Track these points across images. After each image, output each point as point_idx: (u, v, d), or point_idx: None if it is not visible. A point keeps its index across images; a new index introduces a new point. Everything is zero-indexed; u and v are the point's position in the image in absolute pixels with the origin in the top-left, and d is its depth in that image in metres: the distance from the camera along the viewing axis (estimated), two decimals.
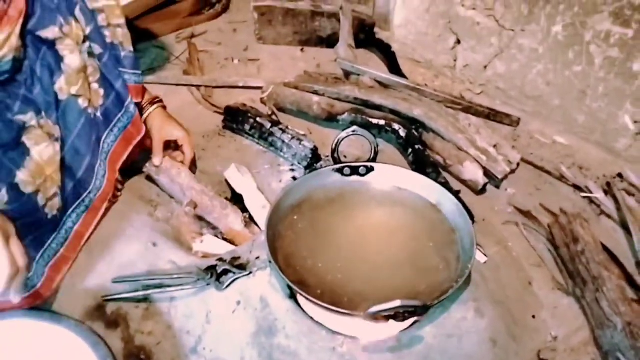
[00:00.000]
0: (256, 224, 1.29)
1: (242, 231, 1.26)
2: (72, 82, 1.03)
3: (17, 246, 0.84)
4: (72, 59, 1.02)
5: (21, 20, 0.91)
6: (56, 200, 1.00)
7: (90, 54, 1.09)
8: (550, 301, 1.18)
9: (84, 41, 1.06)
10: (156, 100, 1.35)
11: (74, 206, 1.09)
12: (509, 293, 1.17)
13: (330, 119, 1.58)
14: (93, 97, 1.10)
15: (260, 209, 1.30)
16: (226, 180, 1.39)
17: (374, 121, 1.53)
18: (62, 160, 1.02)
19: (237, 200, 1.35)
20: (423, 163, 1.44)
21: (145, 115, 1.32)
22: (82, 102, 1.06)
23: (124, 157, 1.23)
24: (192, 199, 1.30)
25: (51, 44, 0.98)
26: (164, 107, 1.38)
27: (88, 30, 1.07)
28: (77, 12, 1.04)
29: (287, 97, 1.66)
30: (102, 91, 1.13)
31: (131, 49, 1.19)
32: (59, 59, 1.00)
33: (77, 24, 1.03)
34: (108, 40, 1.14)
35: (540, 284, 1.22)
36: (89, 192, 1.12)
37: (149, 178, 1.37)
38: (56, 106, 1.00)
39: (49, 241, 1.04)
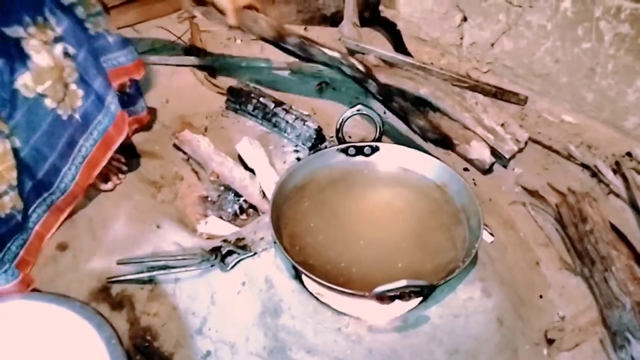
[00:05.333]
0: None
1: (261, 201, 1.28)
2: (40, 80, 0.99)
3: None
4: (39, 57, 0.98)
5: None
6: (6, 198, 0.97)
7: (66, 54, 1.05)
8: (558, 281, 1.17)
9: (55, 41, 1.03)
10: None
11: (34, 205, 1.07)
12: (516, 273, 1.16)
13: (279, 40, 1.40)
14: (71, 99, 1.07)
15: (271, 184, 1.28)
16: (239, 156, 1.38)
17: (326, 50, 1.37)
18: (21, 158, 1.00)
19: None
20: (389, 97, 1.39)
21: None
22: (49, 103, 1.02)
23: (103, 163, 1.19)
24: (213, 170, 1.33)
25: (16, 41, 0.96)
26: None
27: (60, 30, 1.03)
28: (47, 13, 1.01)
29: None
30: (81, 92, 1.09)
31: (116, 31, 1.17)
32: (25, 56, 0.97)
33: (45, 23, 1.00)
34: (92, 32, 1.11)
35: (548, 263, 1.21)
36: (51, 193, 1.10)
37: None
38: (11, 103, 0.97)
39: (9, 243, 1.03)
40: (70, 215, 1.18)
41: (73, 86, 1.07)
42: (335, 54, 1.35)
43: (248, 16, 1.35)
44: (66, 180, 1.11)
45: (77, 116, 1.09)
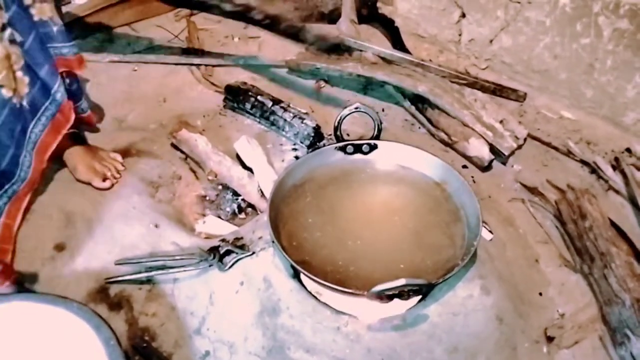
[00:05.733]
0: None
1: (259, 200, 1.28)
2: None
3: None
4: None
5: None
6: None
7: (12, 41, 1.03)
8: (558, 278, 1.17)
9: (3, 29, 1.00)
10: None
11: None
12: (516, 270, 1.16)
13: None
14: (18, 86, 1.06)
15: (270, 183, 1.28)
16: (237, 154, 1.38)
17: None
18: None
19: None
20: (276, 21, 1.39)
21: None
22: (5, 92, 1.01)
23: (53, 147, 1.18)
24: (211, 169, 1.33)
25: None
26: None
27: (7, 17, 1.01)
28: None
29: None
30: (27, 79, 1.08)
31: (61, 22, 1.15)
32: None
33: None
34: (35, 18, 1.09)
35: (547, 260, 1.20)
36: (13, 184, 1.09)
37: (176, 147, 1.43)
38: None
39: None
40: (29, 205, 1.17)
41: (19, 73, 1.06)
42: None
43: None
44: (25, 168, 1.11)
45: (24, 103, 1.08)
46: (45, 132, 1.14)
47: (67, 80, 1.22)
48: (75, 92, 1.27)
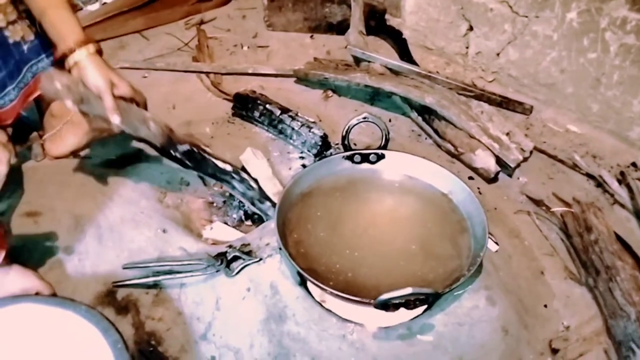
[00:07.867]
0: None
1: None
2: None
3: None
4: None
5: None
6: None
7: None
8: (563, 290, 1.17)
9: None
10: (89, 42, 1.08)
11: None
12: (521, 282, 1.16)
13: (167, 146, 1.22)
14: (23, 30, 1.15)
15: (274, 194, 1.29)
16: (242, 166, 1.38)
17: (218, 163, 1.26)
18: None
19: None
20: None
21: (73, 62, 1.07)
22: (8, 33, 1.11)
23: (36, 94, 1.23)
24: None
25: None
26: (100, 52, 1.11)
27: None
28: None
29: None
30: (33, 28, 1.16)
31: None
32: None
33: None
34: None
35: (553, 273, 1.21)
36: None
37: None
38: None
39: None
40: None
41: (27, 21, 1.15)
42: (227, 167, 1.27)
43: (135, 114, 1.15)
44: (6, 99, 1.16)
45: (24, 47, 1.15)
46: (35, 78, 1.20)
47: None
48: None
